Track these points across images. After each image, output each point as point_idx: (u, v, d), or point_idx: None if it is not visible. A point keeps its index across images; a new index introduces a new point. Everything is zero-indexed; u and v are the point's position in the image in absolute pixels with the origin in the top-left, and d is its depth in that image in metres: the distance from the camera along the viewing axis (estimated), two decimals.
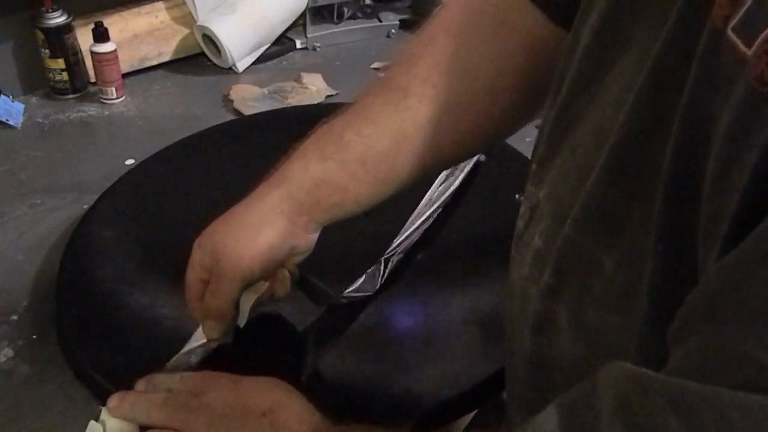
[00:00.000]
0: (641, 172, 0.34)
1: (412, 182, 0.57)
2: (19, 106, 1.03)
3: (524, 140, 0.95)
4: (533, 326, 0.43)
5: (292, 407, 0.51)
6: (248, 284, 0.57)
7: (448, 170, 0.80)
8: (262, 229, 0.55)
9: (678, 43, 0.31)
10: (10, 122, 1.00)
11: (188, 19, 1.17)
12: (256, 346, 0.63)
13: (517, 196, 0.82)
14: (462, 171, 0.81)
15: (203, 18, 1.15)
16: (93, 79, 1.09)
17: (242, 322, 0.59)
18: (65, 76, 1.06)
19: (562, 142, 0.43)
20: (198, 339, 0.59)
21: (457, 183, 0.80)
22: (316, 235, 0.58)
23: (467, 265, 0.75)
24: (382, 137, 0.55)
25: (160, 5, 1.17)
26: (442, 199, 0.78)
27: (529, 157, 0.85)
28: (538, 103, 0.59)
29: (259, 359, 0.62)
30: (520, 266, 0.46)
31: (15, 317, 0.70)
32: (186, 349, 0.59)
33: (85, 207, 0.84)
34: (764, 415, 0.22)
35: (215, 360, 0.59)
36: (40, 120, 1.03)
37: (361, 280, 0.68)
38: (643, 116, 0.34)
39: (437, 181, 0.79)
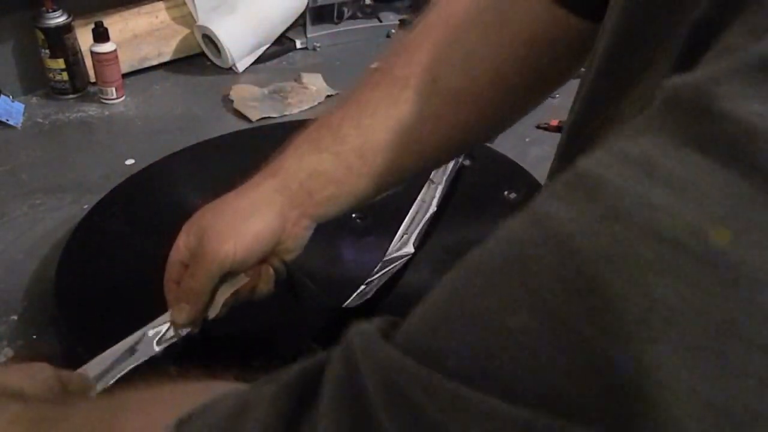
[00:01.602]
0: None
1: (412, 175, 0.56)
2: (19, 106, 1.03)
3: (524, 140, 0.95)
4: None
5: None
6: (229, 273, 0.55)
7: (432, 175, 0.80)
8: (250, 217, 0.53)
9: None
10: (10, 122, 1.00)
11: (188, 19, 1.17)
12: (227, 341, 0.61)
13: (506, 193, 0.82)
14: (446, 175, 0.81)
15: (203, 18, 1.15)
16: (93, 79, 1.09)
17: (212, 313, 0.57)
18: (65, 76, 1.06)
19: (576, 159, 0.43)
20: (161, 323, 0.57)
21: (442, 187, 0.80)
22: (307, 233, 0.56)
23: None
24: (381, 129, 0.53)
25: (160, 5, 1.17)
26: (432, 207, 0.78)
27: (516, 159, 0.87)
28: (541, 92, 0.58)
29: (228, 356, 0.60)
30: None
31: (15, 317, 0.70)
32: (147, 328, 0.57)
33: (85, 207, 0.84)
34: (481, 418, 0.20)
35: (181, 353, 0.57)
36: (40, 120, 1.03)
37: (360, 289, 0.67)
38: None
39: (424, 189, 0.79)
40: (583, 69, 0.47)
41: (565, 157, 0.44)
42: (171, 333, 0.58)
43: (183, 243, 0.56)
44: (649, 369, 0.17)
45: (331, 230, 0.58)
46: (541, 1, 0.51)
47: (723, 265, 0.17)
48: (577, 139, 0.42)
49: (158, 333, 0.58)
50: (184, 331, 0.57)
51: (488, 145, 0.92)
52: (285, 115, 1.04)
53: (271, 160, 0.56)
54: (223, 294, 0.56)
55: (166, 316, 0.58)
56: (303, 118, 0.99)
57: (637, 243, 0.18)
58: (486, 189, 0.84)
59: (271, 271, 0.57)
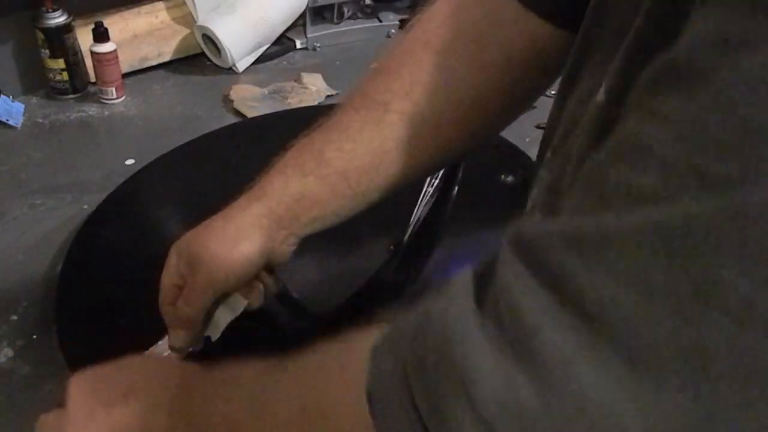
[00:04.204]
0: None
1: (393, 192, 0.58)
2: (19, 106, 1.03)
3: (524, 140, 0.95)
4: None
5: (153, 376, 0.50)
6: (222, 295, 0.57)
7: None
8: (239, 243, 0.55)
9: (633, 65, 0.32)
10: (10, 122, 1.00)
11: (188, 19, 1.17)
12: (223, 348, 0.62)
13: (502, 176, 0.83)
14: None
15: (203, 18, 1.15)
16: (93, 79, 1.09)
17: (215, 335, 0.59)
18: (65, 76, 1.06)
19: (561, 148, 0.44)
20: (164, 346, 0.59)
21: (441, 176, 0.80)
22: (293, 248, 0.58)
23: (459, 245, 0.75)
24: (363, 153, 0.56)
25: (160, 5, 1.17)
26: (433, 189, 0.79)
27: (520, 146, 0.87)
28: (520, 108, 0.61)
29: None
30: None
31: (15, 317, 0.70)
32: (147, 354, 0.59)
33: (85, 207, 0.84)
34: (643, 233, 0.25)
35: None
36: (40, 120, 1.03)
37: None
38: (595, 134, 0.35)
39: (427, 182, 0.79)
40: None
41: (561, 146, 0.45)
42: (171, 355, 0.59)
43: (174, 266, 0.57)
44: (745, 175, 0.23)
45: (334, 228, 0.59)
46: (521, 15, 0.53)
47: None
48: (570, 89, 0.44)
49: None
50: (184, 352, 0.58)
51: None
52: None
53: (255, 182, 0.58)
54: (225, 319, 0.58)
55: (165, 341, 0.59)
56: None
57: (725, 91, 0.24)
58: (482, 172, 0.83)
59: (261, 286, 0.59)
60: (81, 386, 0.50)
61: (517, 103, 0.59)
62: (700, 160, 0.24)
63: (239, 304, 0.58)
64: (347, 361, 0.36)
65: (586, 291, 0.25)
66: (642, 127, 0.27)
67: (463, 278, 0.32)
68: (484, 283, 0.31)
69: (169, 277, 0.57)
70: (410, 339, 0.31)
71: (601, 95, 0.35)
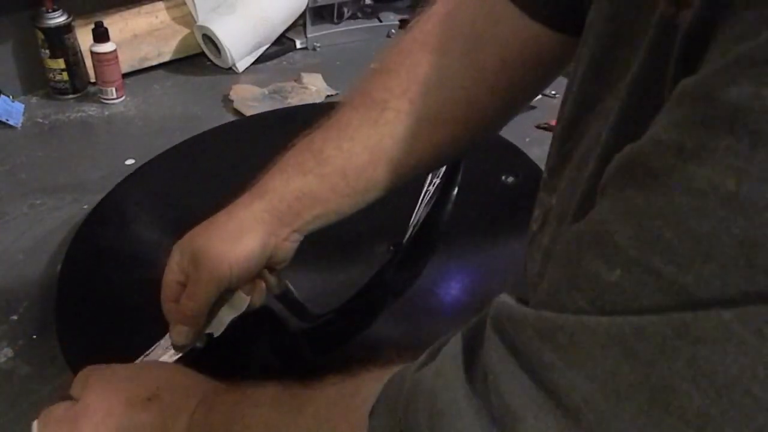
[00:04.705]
0: None
1: (391, 190, 0.59)
2: (19, 106, 1.03)
3: (524, 140, 0.95)
4: None
5: (177, 385, 0.51)
6: (225, 290, 0.57)
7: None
8: (241, 238, 0.56)
9: (653, 67, 0.33)
10: (10, 122, 1.00)
11: (188, 19, 1.17)
12: (232, 352, 0.63)
13: (503, 177, 0.83)
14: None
15: (203, 18, 1.15)
16: (93, 79, 1.09)
17: (218, 332, 0.59)
18: (65, 76, 1.06)
19: (571, 153, 0.44)
20: (165, 345, 0.59)
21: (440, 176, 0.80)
22: (295, 245, 0.58)
23: (459, 246, 0.75)
24: (361, 151, 0.56)
25: (160, 5, 1.17)
26: (432, 188, 0.79)
27: (520, 146, 0.88)
28: (514, 109, 0.62)
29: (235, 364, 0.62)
30: (532, 264, 0.47)
31: (15, 317, 0.70)
32: (149, 353, 0.59)
33: (85, 207, 0.84)
34: (608, 336, 0.26)
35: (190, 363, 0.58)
36: (40, 120, 1.03)
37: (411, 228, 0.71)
38: (620, 133, 0.35)
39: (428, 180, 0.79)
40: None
41: (562, 152, 0.45)
42: (173, 353, 0.59)
43: (176, 263, 0.57)
44: (697, 283, 0.24)
45: (334, 228, 0.59)
46: (517, 17, 0.54)
47: (733, 201, 0.24)
48: (572, 132, 0.44)
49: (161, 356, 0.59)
50: (187, 349, 0.58)
51: None
52: None
53: (256, 180, 0.58)
54: (228, 316, 0.58)
55: (167, 339, 0.59)
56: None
57: (677, 197, 0.25)
58: (482, 172, 0.83)
59: (263, 285, 0.60)
60: (100, 382, 0.51)
61: (514, 103, 0.60)
62: (657, 262, 0.25)
63: (242, 302, 0.58)
64: (352, 409, 0.38)
65: (562, 385, 0.27)
66: (609, 216, 0.28)
67: (452, 344, 0.33)
68: (472, 348, 0.32)
69: (171, 274, 0.57)
70: (404, 405, 0.33)
71: (600, 147, 0.36)
